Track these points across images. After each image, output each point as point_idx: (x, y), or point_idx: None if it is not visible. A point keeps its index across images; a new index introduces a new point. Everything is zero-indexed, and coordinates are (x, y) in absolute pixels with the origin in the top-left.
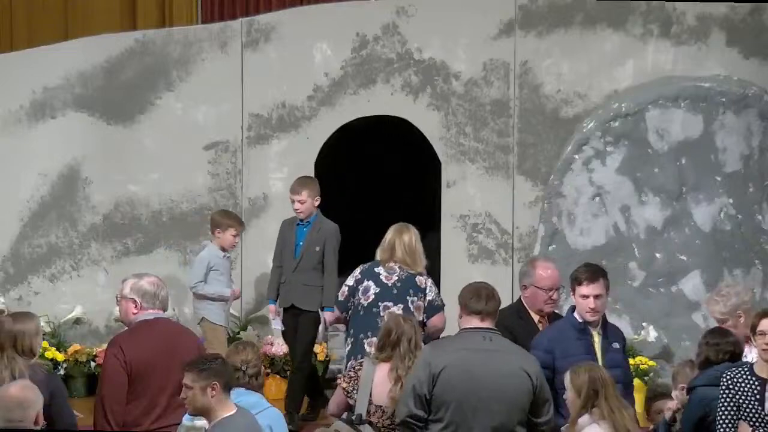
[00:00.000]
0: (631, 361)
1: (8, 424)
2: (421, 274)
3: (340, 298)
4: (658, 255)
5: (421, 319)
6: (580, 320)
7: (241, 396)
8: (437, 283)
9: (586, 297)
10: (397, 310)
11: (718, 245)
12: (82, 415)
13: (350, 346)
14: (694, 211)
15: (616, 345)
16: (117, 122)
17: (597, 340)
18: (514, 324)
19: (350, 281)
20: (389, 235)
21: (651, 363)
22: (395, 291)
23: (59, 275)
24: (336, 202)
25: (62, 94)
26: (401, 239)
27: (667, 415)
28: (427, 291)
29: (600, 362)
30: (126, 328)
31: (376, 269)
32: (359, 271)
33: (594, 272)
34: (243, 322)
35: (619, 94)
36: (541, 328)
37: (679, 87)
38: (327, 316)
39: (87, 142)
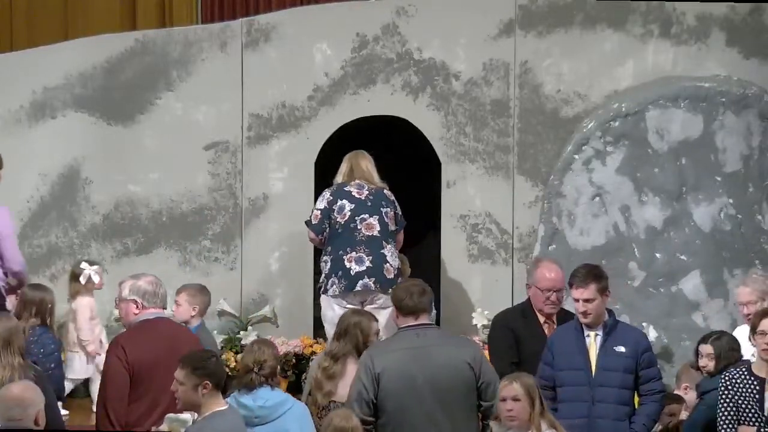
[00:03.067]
0: None
1: (8, 423)
2: (385, 186)
3: (314, 222)
4: (658, 255)
5: (393, 228)
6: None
7: (266, 394)
8: (437, 283)
9: (576, 300)
10: (374, 221)
11: (718, 245)
12: (66, 412)
13: (330, 263)
14: (694, 211)
15: (621, 349)
16: (117, 122)
17: (594, 340)
18: (518, 324)
19: (321, 204)
20: (344, 164)
21: None
22: (369, 204)
23: (59, 275)
24: None
25: (62, 94)
26: (359, 165)
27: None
28: (395, 204)
29: (593, 363)
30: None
31: (345, 188)
32: (329, 193)
33: (584, 276)
34: (243, 322)
35: (619, 94)
36: (546, 329)
37: (679, 87)
38: None
39: (87, 142)
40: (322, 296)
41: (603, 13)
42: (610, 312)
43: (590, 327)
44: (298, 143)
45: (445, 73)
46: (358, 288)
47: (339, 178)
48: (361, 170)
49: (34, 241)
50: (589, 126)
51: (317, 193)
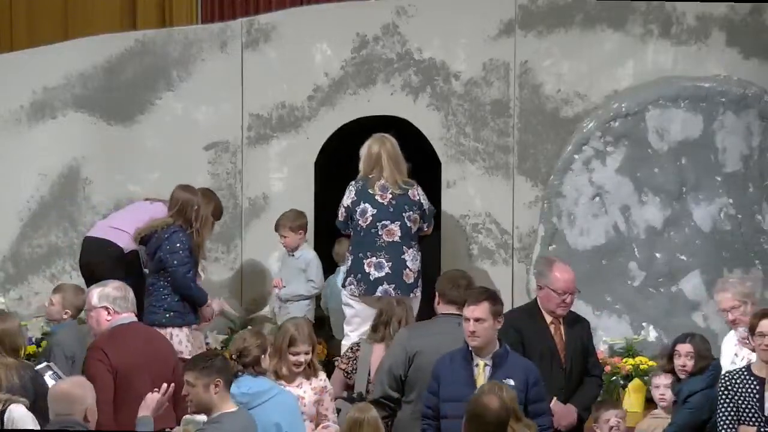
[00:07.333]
0: (630, 361)
1: (56, 417)
2: (410, 186)
3: (340, 219)
4: (658, 255)
5: (416, 230)
6: (469, 347)
7: (249, 382)
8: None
9: (467, 319)
10: (395, 227)
11: (718, 245)
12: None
13: (350, 262)
14: (694, 211)
15: (510, 381)
16: (117, 122)
17: (483, 371)
18: (524, 324)
19: (346, 201)
20: (375, 147)
21: (651, 363)
22: (391, 209)
23: (59, 275)
24: (336, 202)
25: (62, 94)
26: (386, 148)
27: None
28: (422, 201)
29: None
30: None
31: (369, 191)
32: (354, 191)
33: (478, 294)
34: (242, 322)
35: (619, 94)
36: (553, 330)
37: (679, 87)
38: None
39: (87, 142)
40: (342, 289)
41: (603, 13)
42: (501, 341)
43: (479, 355)
44: (298, 143)
45: (445, 73)
46: (378, 294)
47: (363, 166)
48: (388, 159)
49: (34, 241)
50: (589, 126)
51: (317, 193)
